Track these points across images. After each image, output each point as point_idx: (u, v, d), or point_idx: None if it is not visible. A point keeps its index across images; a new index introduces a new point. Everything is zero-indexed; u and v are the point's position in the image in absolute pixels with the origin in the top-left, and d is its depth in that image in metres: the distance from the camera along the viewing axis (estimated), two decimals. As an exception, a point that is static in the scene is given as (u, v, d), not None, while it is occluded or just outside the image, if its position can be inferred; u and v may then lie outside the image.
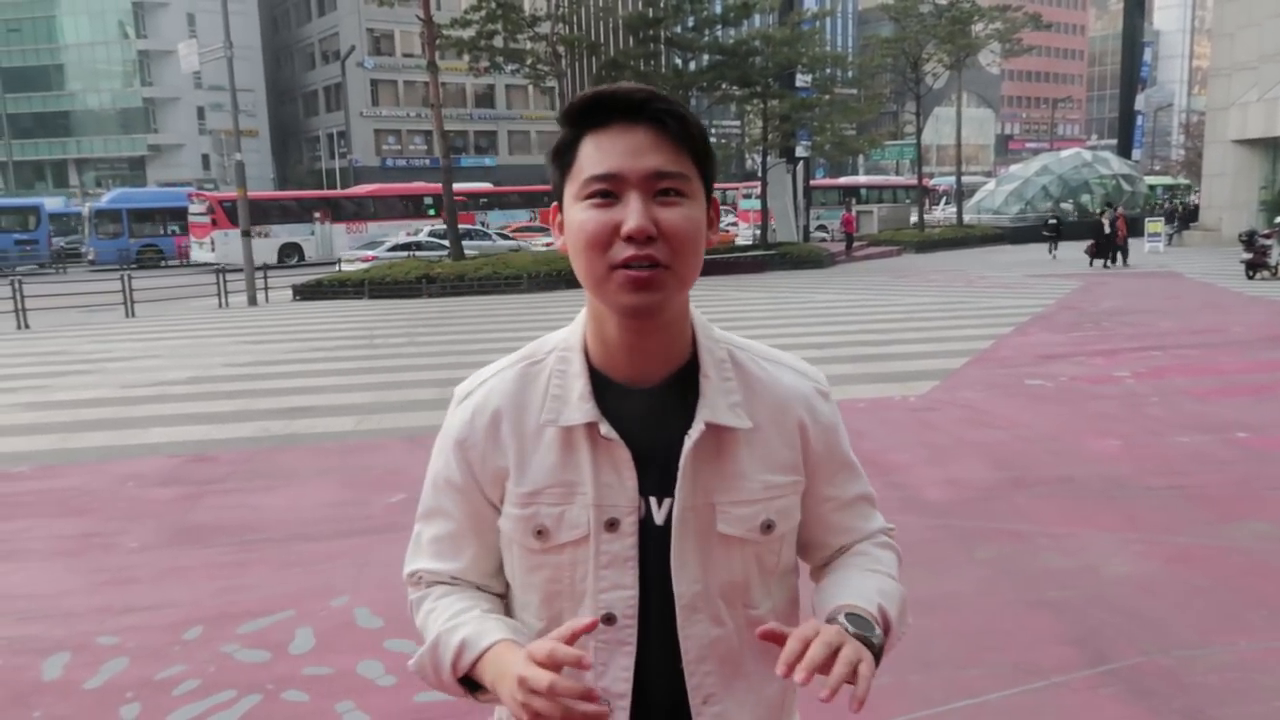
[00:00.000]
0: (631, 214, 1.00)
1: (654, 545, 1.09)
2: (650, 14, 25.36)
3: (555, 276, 21.06)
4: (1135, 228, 26.20)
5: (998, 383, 8.84)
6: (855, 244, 30.90)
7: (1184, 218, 34.90)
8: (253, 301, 19.76)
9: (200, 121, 64.06)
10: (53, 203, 43.84)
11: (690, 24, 25.76)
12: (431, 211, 35.92)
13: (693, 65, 26.43)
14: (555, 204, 1.11)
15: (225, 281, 19.67)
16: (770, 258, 25.51)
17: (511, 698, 0.98)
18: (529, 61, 24.48)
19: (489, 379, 1.17)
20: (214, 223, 32.96)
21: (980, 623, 3.77)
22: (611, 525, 1.08)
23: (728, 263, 24.99)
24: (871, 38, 41.24)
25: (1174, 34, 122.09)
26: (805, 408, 1.15)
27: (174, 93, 63.35)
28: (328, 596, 4.15)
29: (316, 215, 35.40)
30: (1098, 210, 27.70)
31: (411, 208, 37.00)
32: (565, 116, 1.07)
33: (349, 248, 29.77)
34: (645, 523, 1.09)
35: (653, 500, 1.09)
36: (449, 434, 1.16)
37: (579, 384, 1.09)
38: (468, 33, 23.01)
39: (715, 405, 1.09)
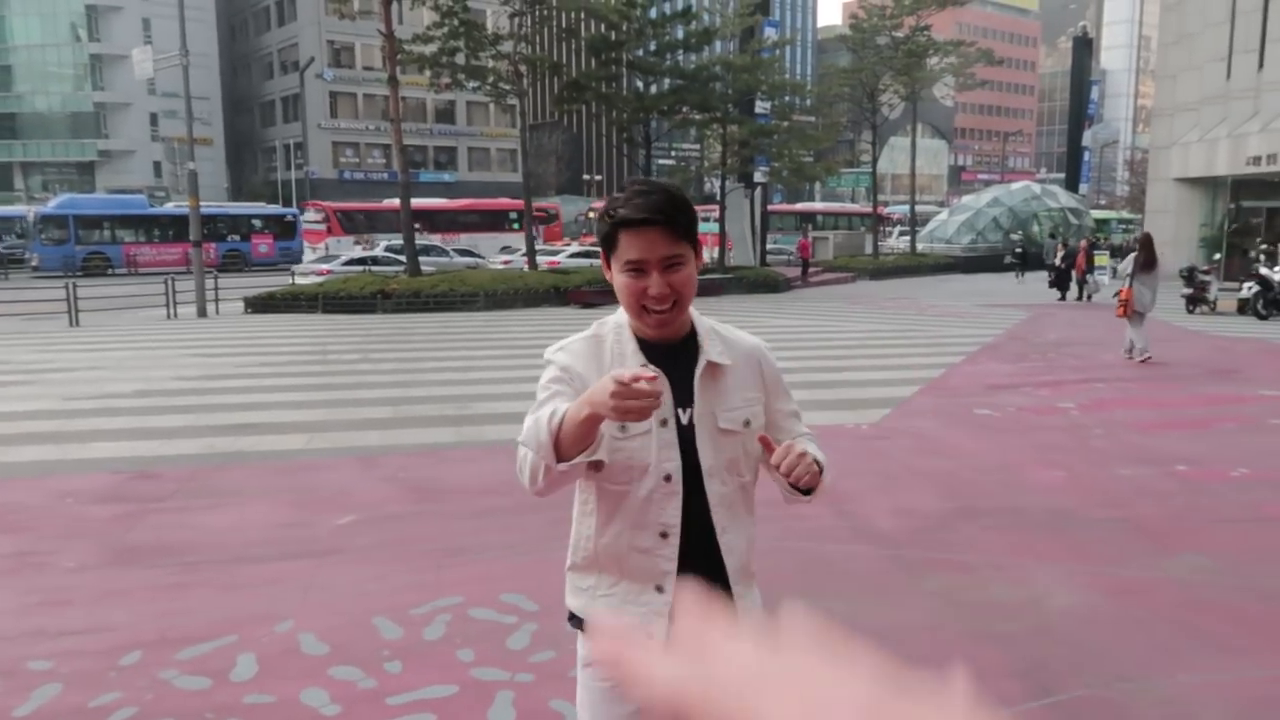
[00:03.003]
0: (653, 284, 1.70)
1: (687, 436, 1.77)
2: (613, 36, 25.55)
3: (513, 295, 21.01)
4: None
5: (947, 412, 8.97)
6: (811, 269, 31.27)
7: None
8: (202, 313, 19.39)
9: (153, 128, 62.97)
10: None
11: (652, 48, 25.98)
12: (515, 225, 38.83)
13: (654, 89, 26.64)
14: (605, 259, 1.79)
15: (174, 292, 19.29)
16: (727, 281, 25.67)
17: (604, 397, 1.51)
18: (490, 79, 24.47)
19: (571, 342, 1.84)
20: (328, 230, 35.57)
21: (928, 654, 3.80)
22: (664, 423, 1.75)
23: (685, 285, 25.07)
24: (829, 67, 41.95)
25: (1120, 73, 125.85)
26: (760, 355, 1.89)
27: (126, 98, 62.18)
28: (271, 622, 4.06)
29: (415, 226, 36.65)
30: (1060, 240, 28.32)
31: (498, 221, 40.22)
32: (605, 219, 1.74)
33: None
34: (678, 422, 1.77)
35: (679, 410, 1.77)
36: (556, 362, 1.80)
37: (632, 345, 1.79)
38: (429, 49, 22.94)
39: (710, 352, 1.80)
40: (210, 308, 19.75)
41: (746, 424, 1.81)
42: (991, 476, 6.61)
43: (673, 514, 1.74)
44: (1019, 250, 32.07)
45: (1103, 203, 74.05)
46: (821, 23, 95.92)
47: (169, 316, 18.76)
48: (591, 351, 1.79)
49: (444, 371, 11.38)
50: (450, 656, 3.74)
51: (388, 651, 3.78)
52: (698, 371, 1.77)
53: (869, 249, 38.17)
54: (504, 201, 43.44)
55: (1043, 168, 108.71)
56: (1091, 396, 9.79)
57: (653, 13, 25.80)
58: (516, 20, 24.51)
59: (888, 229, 48.53)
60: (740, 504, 1.82)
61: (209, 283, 20.09)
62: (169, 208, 37.63)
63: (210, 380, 10.74)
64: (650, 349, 1.78)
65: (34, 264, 34.38)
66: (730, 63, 26.49)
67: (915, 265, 35.22)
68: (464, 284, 21.15)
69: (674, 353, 1.78)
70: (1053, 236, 34.33)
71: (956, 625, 4.08)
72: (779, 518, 5.54)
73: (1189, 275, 19.96)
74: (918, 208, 42.46)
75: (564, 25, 28.79)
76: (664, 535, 1.75)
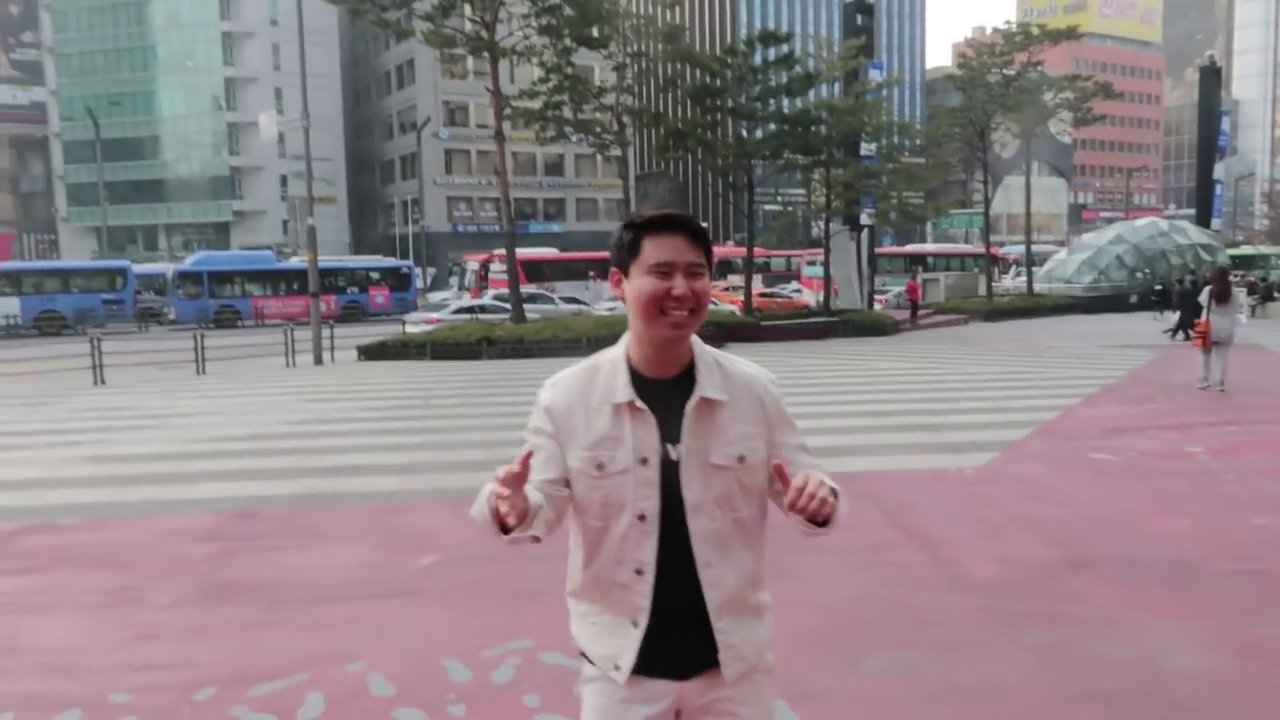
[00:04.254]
0: (679, 285, 1.74)
1: (673, 473, 1.76)
2: (716, 84, 25.68)
3: (614, 339, 21.02)
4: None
5: (1060, 456, 8.46)
6: (921, 312, 30.44)
7: (1266, 290, 33.74)
8: (318, 361, 20.18)
9: (283, 189, 66.72)
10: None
11: (755, 93, 25.99)
12: None
13: (758, 133, 26.59)
14: (616, 271, 1.83)
15: (293, 341, 20.16)
16: (834, 324, 25.24)
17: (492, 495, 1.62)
18: (595, 131, 24.94)
19: (563, 375, 1.86)
20: None
21: (1026, 717, 3.50)
22: (644, 461, 1.76)
23: (792, 329, 24.80)
24: (938, 108, 41.20)
25: (1254, 104, 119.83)
26: (761, 389, 1.85)
27: (259, 162, 66.29)
28: (344, 661, 4.06)
29: (591, 273, 40.02)
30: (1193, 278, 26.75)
31: None
32: (631, 225, 1.79)
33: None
34: (665, 459, 1.76)
35: (669, 446, 1.76)
36: (540, 402, 1.84)
37: (623, 378, 1.79)
38: (536, 104, 23.59)
39: (704, 387, 1.79)
40: (326, 356, 20.55)
41: (741, 459, 1.79)
42: (1105, 524, 6.15)
43: (647, 552, 1.77)
44: (1159, 288, 30.59)
45: (1240, 238, 69.95)
46: (930, 64, 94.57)
47: (288, 365, 19.58)
48: (582, 384, 1.81)
49: (541, 416, 11.43)
50: (515, 701, 3.64)
51: (453, 694, 3.71)
52: (689, 407, 1.76)
53: (982, 290, 36.96)
54: None
55: (1171, 204, 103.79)
56: (1223, 440, 9.09)
57: (756, 58, 25.89)
58: (620, 72, 24.97)
59: (1003, 270, 46.95)
60: (735, 538, 1.80)
61: (325, 332, 20.93)
62: (293, 262, 39.66)
63: (317, 424, 11.08)
64: (644, 384, 1.78)
65: (171, 317, 36.67)
66: (833, 106, 26.28)
67: (1033, 306, 33.93)
68: (567, 330, 21.40)
69: (667, 388, 1.79)
70: (1191, 273, 32.59)
71: (1059, 685, 3.75)
72: (872, 564, 5.29)
73: (1336, 311, 18.50)
74: (1036, 247, 41.01)
75: (667, 75, 29.12)
76: (639, 572, 1.77)
